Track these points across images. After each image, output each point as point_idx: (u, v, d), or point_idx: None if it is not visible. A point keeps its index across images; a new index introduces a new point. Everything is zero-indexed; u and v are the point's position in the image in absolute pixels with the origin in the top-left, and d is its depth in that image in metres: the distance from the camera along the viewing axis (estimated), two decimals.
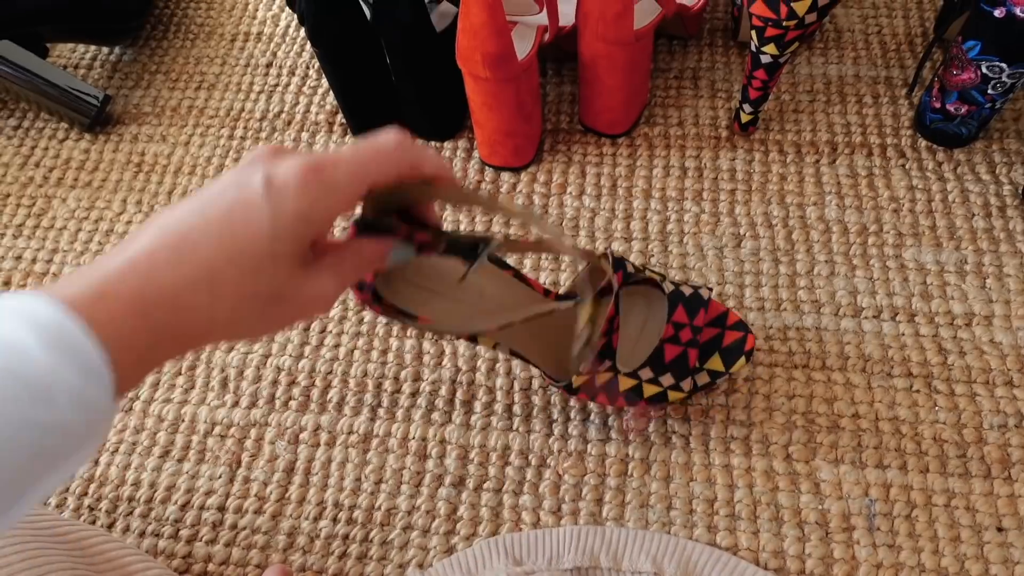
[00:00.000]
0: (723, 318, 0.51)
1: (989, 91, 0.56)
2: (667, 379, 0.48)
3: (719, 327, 0.50)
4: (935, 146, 0.63)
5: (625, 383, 0.48)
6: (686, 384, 0.48)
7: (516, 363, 0.56)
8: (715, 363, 0.50)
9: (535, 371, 0.55)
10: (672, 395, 0.49)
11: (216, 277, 0.25)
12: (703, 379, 0.50)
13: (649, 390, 0.48)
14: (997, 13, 0.51)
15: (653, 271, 0.50)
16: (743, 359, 0.50)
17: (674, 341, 0.48)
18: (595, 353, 0.46)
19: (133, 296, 0.24)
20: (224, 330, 0.27)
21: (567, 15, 0.61)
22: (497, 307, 0.47)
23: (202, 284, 0.25)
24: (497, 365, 0.56)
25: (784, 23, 0.51)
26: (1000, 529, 0.48)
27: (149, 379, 0.58)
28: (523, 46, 0.57)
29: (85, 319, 0.23)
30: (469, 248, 0.35)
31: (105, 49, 0.79)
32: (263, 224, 0.26)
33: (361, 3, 0.58)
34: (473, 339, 0.46)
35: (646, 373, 0.48)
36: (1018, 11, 0.50)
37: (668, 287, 0.49)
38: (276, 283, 0.27)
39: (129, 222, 0.66)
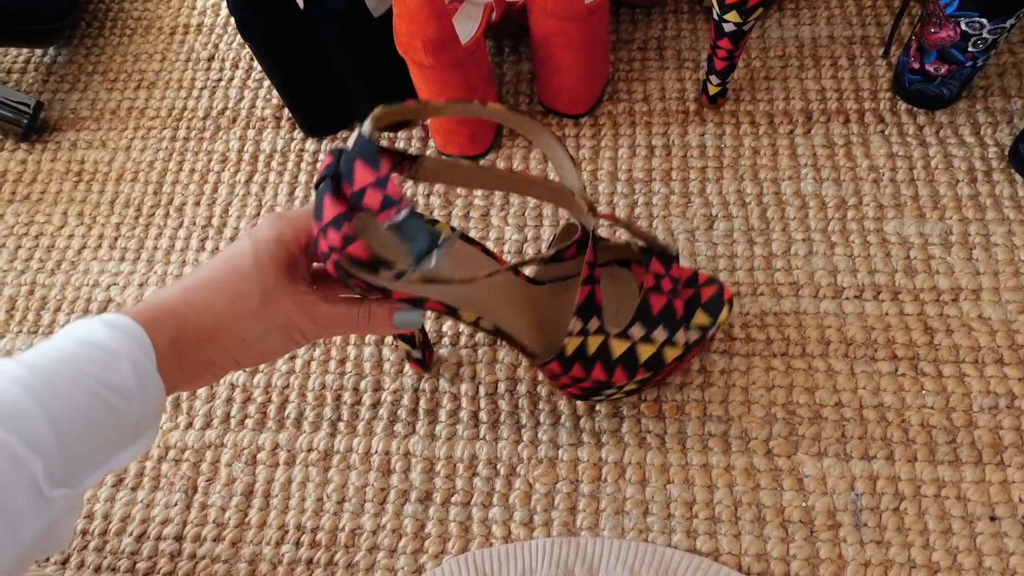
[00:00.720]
0: (694, 278, 0.48)
1: (970, 49, 0.52)
2: (660, 333, 0.45)
3: (693, 287, 0.48)
4: (915, 109, 0.59)
5: (618, 347, 0.45)
6: (679, 337, 0.46)
7: (481, 366, 0.53)
8: (700, 319, 0.47)
9: (501, 373, 0.53)
10: (669, 352, 0.45)
11: (214, 281, 0.36)
12: (693, 336, 0.47)
13: (644, 352, 0.45)
14: None
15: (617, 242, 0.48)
16: (727, 308, 0.47)
17: (657, 291, 0.45)
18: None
19: (158, 301, 0.35)
20: (229, 328, 0.35)
21: None
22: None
23: (205, 286, 0.35)
24: (461, 370, 0.53)
25: None
26: (993, 518, 0.45)
27: None
28: (469, 27, 0.53)
29: (130, 315, 0.33)
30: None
31: (39, 51, 0.74)
32: (246, 247, 0.36)
33: None
34: (455, 314, 0.42)
35: (637, 331, 0.45)
36: None
37: (636, 245, 0.47)
38: (263, 285, 0.36)
39: (71, 236, 0.63)
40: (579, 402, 0.51)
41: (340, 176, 0.34)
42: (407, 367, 0.54)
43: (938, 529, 0.45)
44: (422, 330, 0.50)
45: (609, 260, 0.50)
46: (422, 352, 0.52)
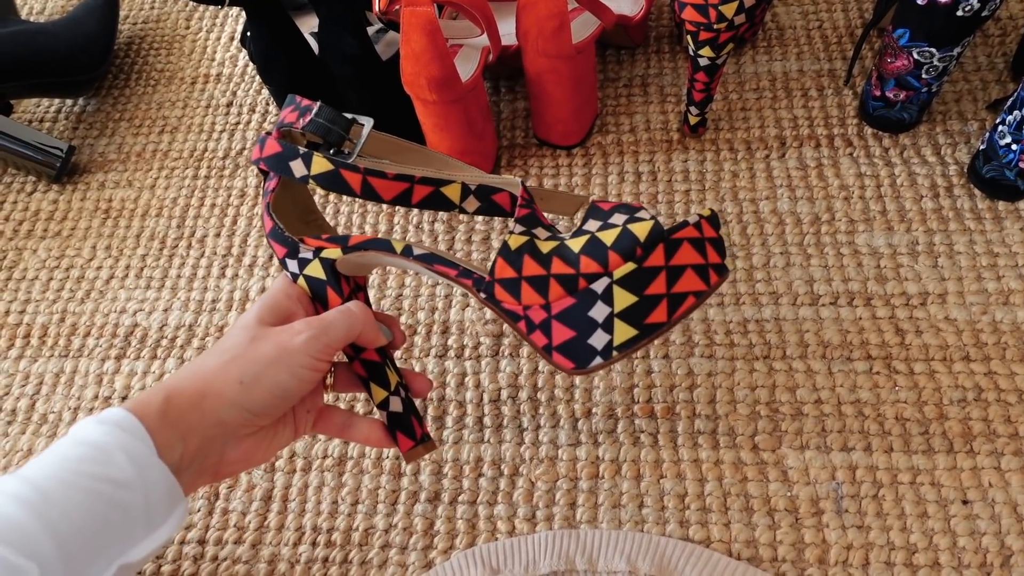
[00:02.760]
0: None
1: (923, 76, 0.57)
2: (618, 218, 0.39)
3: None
4: (880, 133, 0.65)
5: (576, 243, 0.39)
6: (644, 215, 0.39)
7: (484, 375, 0.57)
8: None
9: (504, 382, 0.56)
10: (638, 229, 0.38)
11: (203, 353, 0.38)
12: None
13: (608, 236, 0.38)
14: (920, 1, 0.53)
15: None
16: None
17: (603, 201, 0.43)
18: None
19: (155, 391, 0.35)
20: (220, 375, 0.36)
21: (509, 35, 0.62)
22: None
23: (196, 358, 0.38)
24: (466, 379, 0.57)
25: (715, 26, 0.53)
26: (965, 502, 0.48)
27: None
28: (468, 67, 0.59)
29: (121, 406, 0.34)
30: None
31: (69, 101, 0.80)
32: (235, 323, 0.39)
33: (308, 37, 0.59)
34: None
35: (594, 224, 0.40)
36: None
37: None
38: (248, 331, 0.37)
39: (99, 268, 0.67)
40: (576, 407, 0.54)
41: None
42: None
43: (914, 513, 0.48)
44: (410, 402, 0.46)
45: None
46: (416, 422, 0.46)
